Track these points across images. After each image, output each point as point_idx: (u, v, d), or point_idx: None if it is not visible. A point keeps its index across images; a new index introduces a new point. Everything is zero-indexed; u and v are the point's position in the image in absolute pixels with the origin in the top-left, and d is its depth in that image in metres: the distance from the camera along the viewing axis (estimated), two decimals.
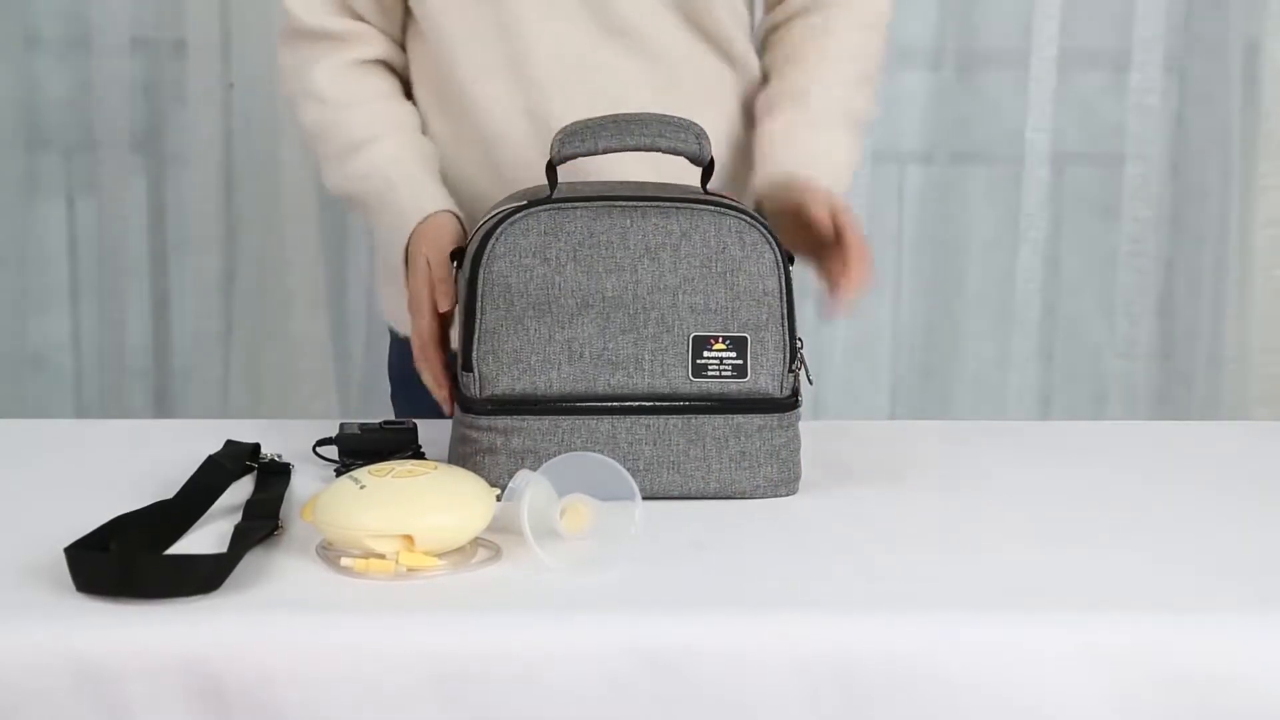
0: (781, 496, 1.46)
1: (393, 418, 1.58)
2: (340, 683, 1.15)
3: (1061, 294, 3.08)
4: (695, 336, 1.44)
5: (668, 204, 1.45)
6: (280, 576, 1.25)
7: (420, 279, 1.57)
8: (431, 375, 1.56)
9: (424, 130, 1.73)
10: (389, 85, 1.74)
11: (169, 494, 1.38)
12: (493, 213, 1.48)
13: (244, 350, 3.03)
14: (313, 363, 2.99)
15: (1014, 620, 1.20)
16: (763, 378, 1.45)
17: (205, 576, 1.20)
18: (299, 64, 1.73)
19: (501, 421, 1.44)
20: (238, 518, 1.34)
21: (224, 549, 1.25)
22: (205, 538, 1.32)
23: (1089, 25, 2.99)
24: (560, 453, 1.41)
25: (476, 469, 1.41)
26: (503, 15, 1.66)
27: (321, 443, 1.54)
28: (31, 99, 3.00)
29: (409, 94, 1.76)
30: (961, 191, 3.05)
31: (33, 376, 3.08)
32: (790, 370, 1.46)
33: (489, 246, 1.43)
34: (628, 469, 1.33)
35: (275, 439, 1.52)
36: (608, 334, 1.44)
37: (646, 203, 1.45)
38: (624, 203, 1.45)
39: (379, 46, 1.74)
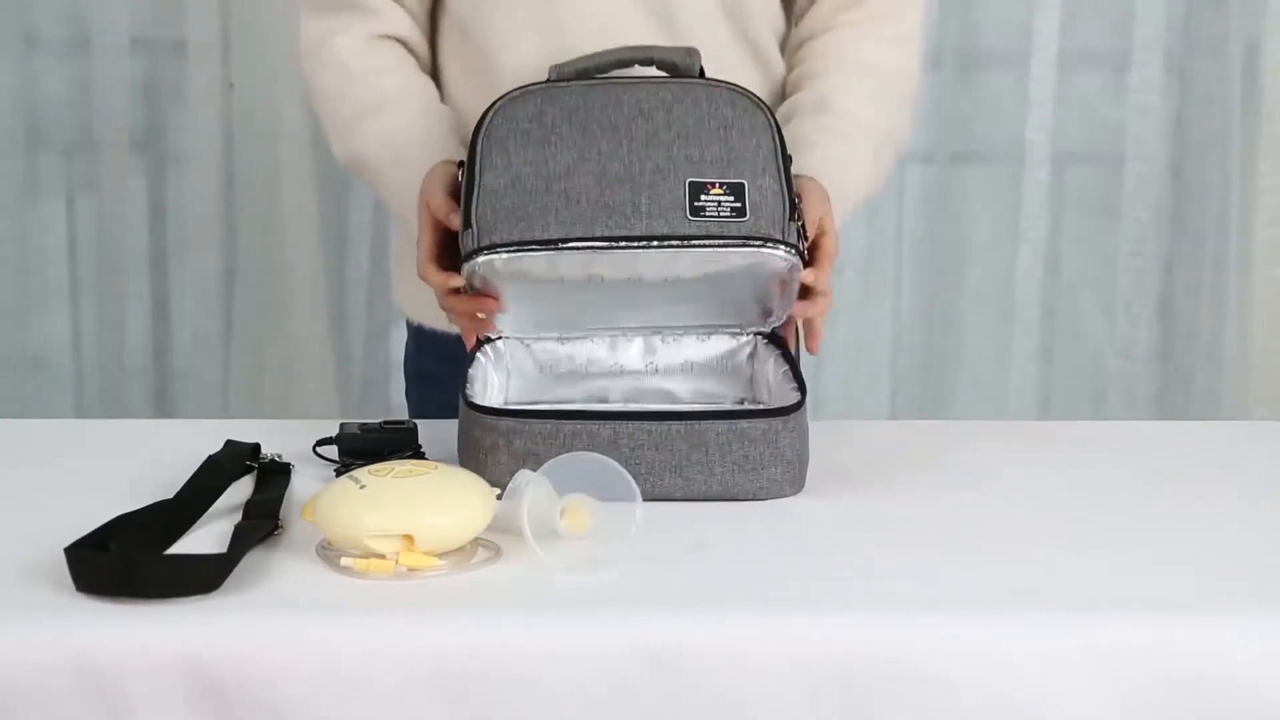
0: (786, 496, 1.45)
1: (393, 418, 1.58)
2: (341, 683, 1.15)
3: (1061, 294, 3.08)
4: (692, 182, 1.46)
5: (660, 80, 1.52)
6: (280, 576, 1.25)
7: (422, 205, 1.57)
8: (438, 282, 1.54)
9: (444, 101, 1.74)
10: (410, 60, 1.75)
11: (169, 494, 1.38)
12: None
13: (244, 350, 3.03)
14: (313, 363, 2.99)
15: (1014, 620, 1.20)
16: (763, 221, 1.46)
17: (205, 576, 1.20)
18: (322, 33, 1.74)
19: (504, 423, 1.43)
20: (238, 518, 1.34)
21: (224, 549, 1.25)
22: (205, 538, 1.32)
23: (1089, 25, 2.99)
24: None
25: (479, 467, 1.41)
26: None
27: (321, 443, 1.54)
28: (31, 99, 3.00)
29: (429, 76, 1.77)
30: (961, 191, 3.05)
31: (33, 376, 3.07)
32: (791, 220, 1.47)
33: (488, 118, 1.49)
34: (630, 473, 1.33)
35: (275, 439, 1.52)
36: (604, 183, 1.46)
37: (639, 79, 1.51)
38: (617, 81, 1.51)
39: (403, 24, 1.74)
